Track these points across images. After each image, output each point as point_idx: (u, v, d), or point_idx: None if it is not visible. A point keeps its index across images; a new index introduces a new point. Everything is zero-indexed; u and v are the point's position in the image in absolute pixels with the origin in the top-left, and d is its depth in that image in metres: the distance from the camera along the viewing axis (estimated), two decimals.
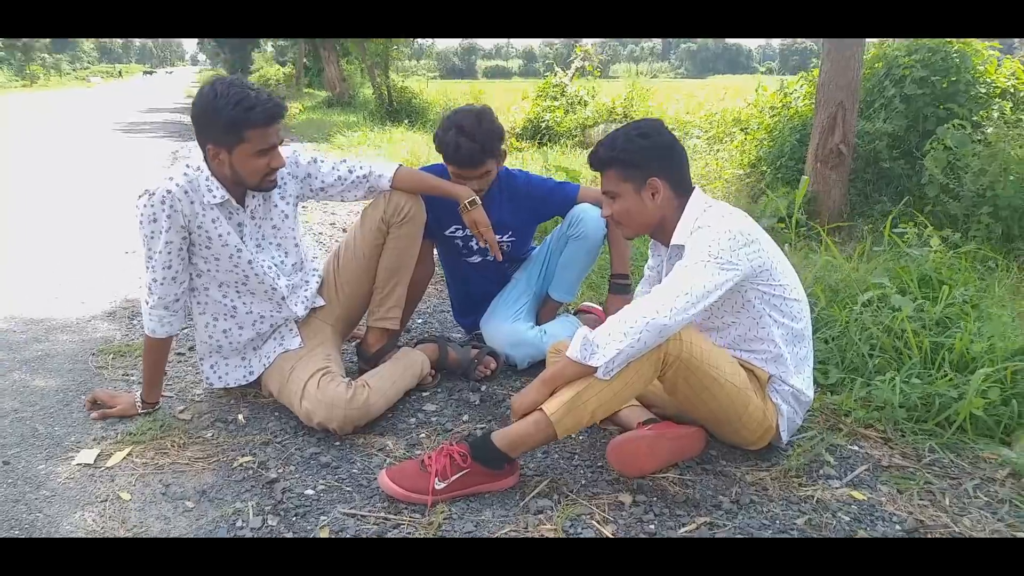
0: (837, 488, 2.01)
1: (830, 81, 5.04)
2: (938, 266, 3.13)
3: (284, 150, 2.34)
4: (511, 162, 6.12)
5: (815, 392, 2.36)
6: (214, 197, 2.20)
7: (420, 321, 3.27)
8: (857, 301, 2.85)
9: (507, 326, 2.70)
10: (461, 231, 2.74)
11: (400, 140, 9.67)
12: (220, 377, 2.44)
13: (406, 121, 12.46)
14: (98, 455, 2.10)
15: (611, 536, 1.79)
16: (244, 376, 2.43)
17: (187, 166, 2.22)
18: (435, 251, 2.93)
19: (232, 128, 2.09)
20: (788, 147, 5.91)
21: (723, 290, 1.90)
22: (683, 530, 1.81)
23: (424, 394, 2.53)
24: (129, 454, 2.12)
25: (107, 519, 1.83)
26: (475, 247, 2.78)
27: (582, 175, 6.02)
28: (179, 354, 2.82)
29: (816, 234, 5.03)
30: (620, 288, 2.70)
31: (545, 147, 9.50)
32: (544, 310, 2.90)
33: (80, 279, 3.80)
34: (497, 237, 2.66)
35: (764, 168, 6.15)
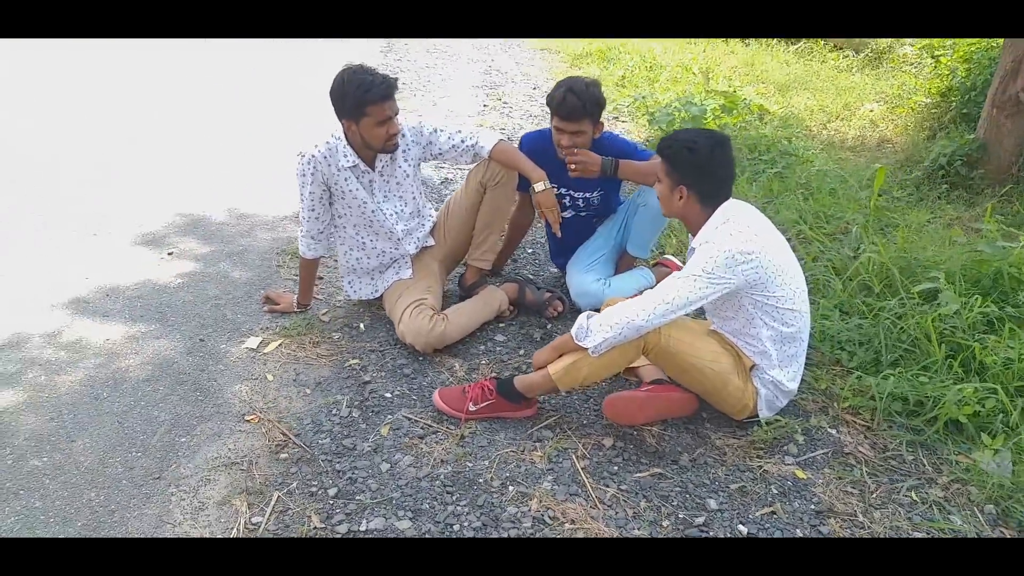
0: (787, 464, 2.45)
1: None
2: (1021, 263, 3.17)
3: (411, 121, 3.00)
4: None
5: (833, 373, 2.72)
6: (347, 161, 2.90)
7: (519, 261, 3.87)
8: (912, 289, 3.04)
9: (578, 276, 3.24)
10: (558, 189, 3.25)
11: None
12: (355, 291, 3.23)
13: None
14: (260, 342, 3.01)
15: (582, 468, 2.39)
16: (371, 292, 3.21)
17: (332, 135, 2.92)
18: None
19: (357, 106, 2.75)
20: (982, 81, 5.55)
21: (709, 299, 2.34)
22: (636, 475, 2.38)
23: (500, 325, 3.19)
24: (280, 345, 3.00)
25: (254, 393, 2.72)
26: (567, 203, 3.29)
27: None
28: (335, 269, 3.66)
29: (973, 187, 4.91)
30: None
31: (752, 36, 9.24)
32: (622, 262, 3.39)
33: (284, 179, 4.73)
34: (587, 193, 3.18)
35: (955, 99, 5.82)
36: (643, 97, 6.19)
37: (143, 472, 2.34)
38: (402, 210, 3.09)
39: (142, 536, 2.11)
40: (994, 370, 2.66)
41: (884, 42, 7.98)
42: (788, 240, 3.53)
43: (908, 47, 7.68)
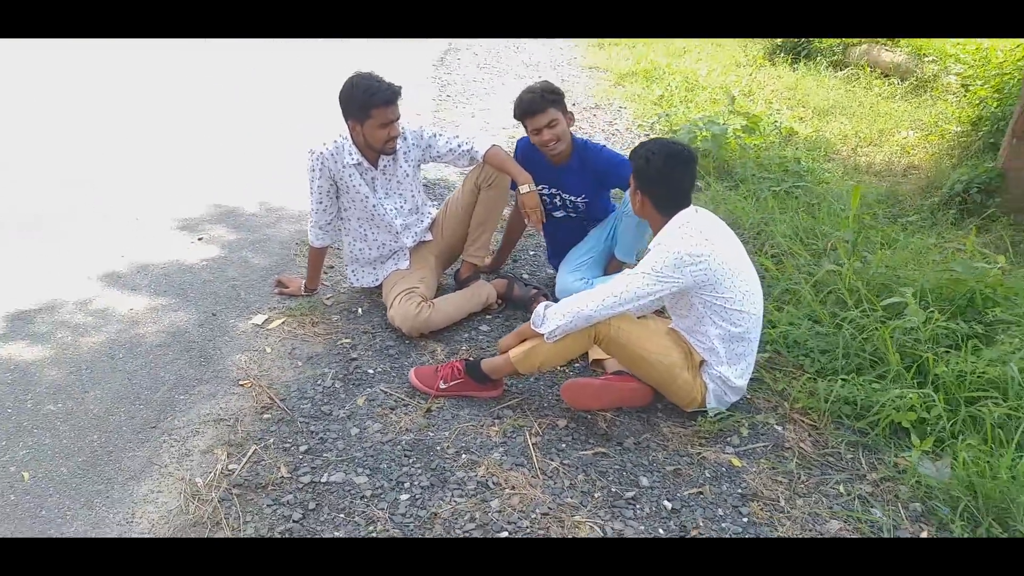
0: (726, 453, 2.61)
1: None
2: (996, 284, 3.24)
3: (413, 125, 3.27)
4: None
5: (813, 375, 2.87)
6: (352, 159, 3.19)
7: (519, 262, 4.10)
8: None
9: (564, 276, 3.44)
10: (547, 189, 3.48)
11: (656, 41, 9.99)
12: (357, 279, 3.51)
13: None
14: (265, 319, 3.31)
15: (532, 444, 2.60)
16: (372, 281, 3.48)
17: (339, 135, 3.21)
18: None
19: (362, 108, 3.04)
20: (1011, 112, 5.54)
21: (656, 296, 2.54)
22: (580, 453, 2.57)
23: (487, 317, 3.42)
24: (283, 322, 3.29)
25: (251, 362, 3.01)
26: (557, 204, 3.51)
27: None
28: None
29: (991, 215, 4.94)
30: None
31: (801, 62, 9.30)
32: (610, 265, 3.58)
33: None
34: (573, 197, 3.40)
35: (984, 128, 5.82)
36: (667, 115, 6.36)
37: (142, 422, 2.65)
38: (401, 206, 3.36)
39: (131, 478, 2.41)
40: (945, 380, 2.77)
41: (929, 70, 7.94)
42: (774, 254, 3.70)
43: (953, 76, 7.63)
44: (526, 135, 3.45)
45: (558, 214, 3.56)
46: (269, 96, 7.08)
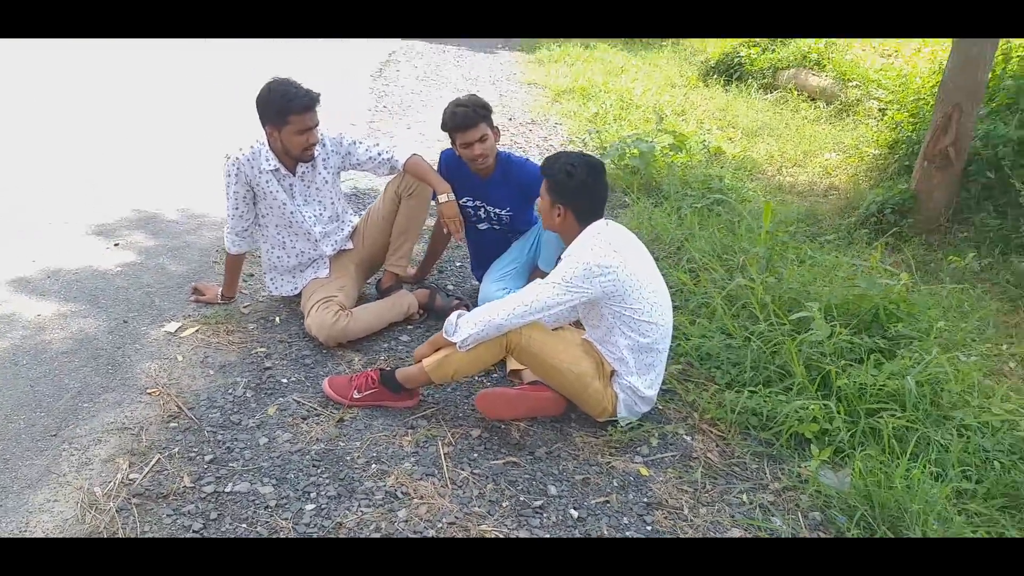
0: (634, 463, 2.65)
1: (951, 80, 4.95)
2: (899, 300, 3.38)
3: (332, 132, 3.25)
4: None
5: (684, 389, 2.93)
6: (269, 165, 3.15)
7: (445, 272, 4.11)
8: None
9: (486, 285, 3.46)
10: (471, 202, 3.49)
11: (595, 60, 10.14)
12: (276, 288, 3.47)
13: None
14: (179, 327, 3.24)
15: (444, 454, 2.60)
16: (291, 289, 3.44)
17: (256, 140, 3.18)
18: None
19: (279, 113, 3.01)
20: (924, 135, 5.79)
21: (565, 306, 2.57)
22: (492, 462, 2.58)
23: (408, 327, 3.41)
24: (197, 331, 3.23)
25: (161, 370, 2.95)
26: (482, 216, 3.53)
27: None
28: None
29: (903, 235, 5.13)
30: None
31: (733, 84, 9.56)
32: (533, 276, 3.61)
33: None
34: (498, 210, 3.43)
35: (901, 151, 6.06)
36: (598, 131, 6.47)
37: (42, 430, 2.57)
38: (320, 214, 3.34)
39: (27, 486, 2.33)
40: (846, 392, 2.86)
41: (853, 94, 8.24)
42: (689, 267, 3.78)
43: (874, 101, 7.94)
44: (450, 147, 3.47)
45: (482, 226, 3.58)
46: (197, 97, 6.96)
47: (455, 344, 2.61)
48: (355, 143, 3.33)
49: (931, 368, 2.86)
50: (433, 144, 6.31)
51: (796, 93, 8.88)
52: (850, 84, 8.38)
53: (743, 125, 7.82)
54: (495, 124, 3.30)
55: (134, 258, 3.82)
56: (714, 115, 8.21)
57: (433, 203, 3.40)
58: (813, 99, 8.85)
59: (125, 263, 3.76)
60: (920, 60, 8.44)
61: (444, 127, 3.27)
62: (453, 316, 2.64)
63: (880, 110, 6.87)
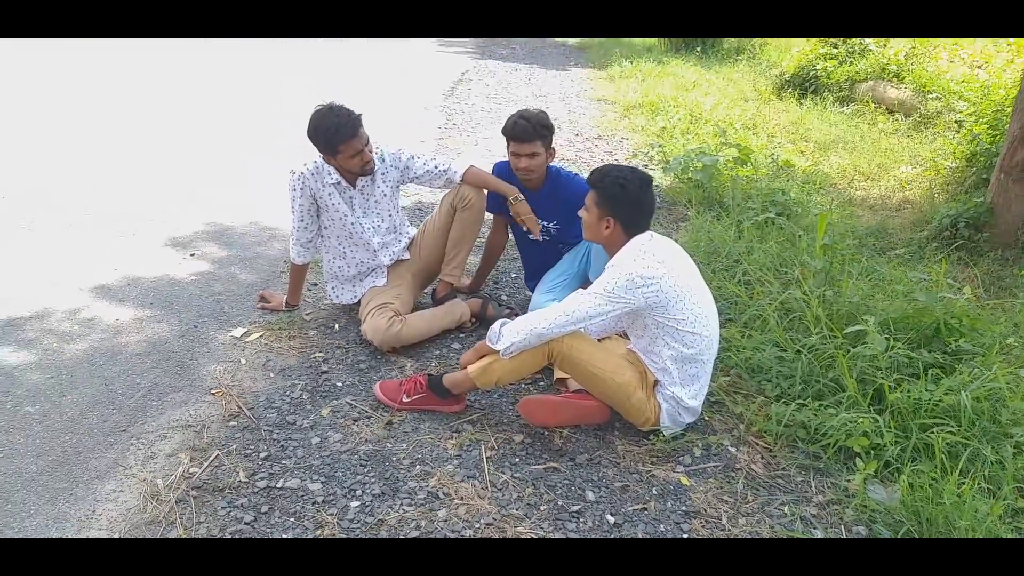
0: (676, 472, 2.65)
1: None
2: (962, 315, 3.28)
3: (392, 148, 3.39)
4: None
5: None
6: (332, 179, 3.31)
7: (500, 283, 4.19)
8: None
9: (536, 297, 3.52)
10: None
11: (667, 75, 10.12)
12: (337, 296, 3.61)
13: (698, 50, 12.53)
14: (244, 332, 3.41)
15: (487, 457, 2.66)
16: (351, 298, 3.58)
17: (320, 154, 3.34)
18: (509, 227, 3.79)
19: (330, 146, 3.17)
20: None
21: (607, 316, 2.61)
22: (532, 467, 2.63)
23: (460, 334, 3.50)
24: (261, 336, 3.40)
25: (224, 372, 3.11)
26: (534, 237, 3.59)
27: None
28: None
29: (978, 249, 4.96)
30: None
31: (808, 97, 9.39)
32: (584, 287, 3.65)
33: None
34: (545, 223, 3.49)
35: (978, 164, 5.85)
36: (661, 145, 6.46)
37: (113, 425, 2.76)
38: (379, 225, 3.47)
39: (96, 477, 2.50)
40: (899, 408, 2.80)
41: (933, 107, 7.99)
42: (746, 280, 3.75)
43: (955, 113, 7.67)
44: (502, 161, 3.55)
45: (532, 237, 3.65)
46: (273, 107, 7.28)
47: (497, 352, 2.68)
48: (413, 157, 3.45)
49: (990, 384, 2.77)
50: (499, 158, 6.44)
51: (873, 106, 8.66)
52: (930, 96, 8.13)
53: (816, 138, 7.67)
54: (553, 144, 3.36)
55: (207, 268, 4.04)
56: (786, 129, 8.09)
57: (488, 216, 3.48)
58: (891, 112, 8.62)
59: (199, 272, 3.98)
60: (1010, 71, 8.13)
61: (503, 131, 3.36)
62: (496, 324, 2.71)
63: (957, 122, 6.63)
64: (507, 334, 2.65)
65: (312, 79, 9.03)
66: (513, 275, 4.20)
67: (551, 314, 2.61)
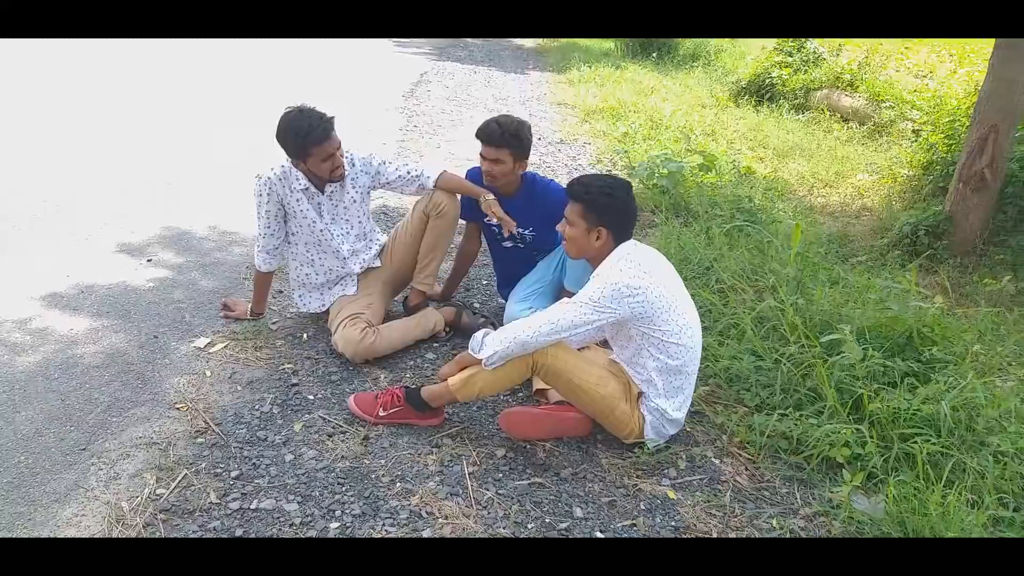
0: (662, 485, 2.61)
1: (988, 100, 4.89)
2: (934, 323, 3.31)
3: (362, 153, 3.29)
4: None
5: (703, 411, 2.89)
6: (300, 184, 3.19)
7: (471, 290, 4.11)
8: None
9: (512, 305, 3.45)
10: (495, 219, 3.50)
11: (625, 80, 10.14)
12: (304, 304, 3.49)
13: (654, 55, 12.55)
14: (208, 343, 3.27)
15: (469, 473, 2.58)
16: (319, 306, 3.46)
17: (287, 159, 3.21)
18: (482, 234, 3.72)
19: (301, 149, 3.05)
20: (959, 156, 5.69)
21: (592, 326, 2.55)
22: (517, 483, 2.56)
23: (434, 344, 3.41)
24: (225, 346, 3.26)
25: (189, 385, 2.97)
26: (506, 234, 3.52)
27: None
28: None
29: (937, 257, 5.05)
30: None
31: (764, 104, 9.50)
32: (561, 295, 3.60)
33: None
34: (521, 229, 3.42)
35: (934, 173, 5.97)
36: (626, 151, 6.46)
37: (72, 444, 2.60)
38: (348, 232, 3.36)
39: (56, 500, 2.35)
40: (878, 417, 2.80)
41: (886, 115, 8.16)
42: (718, 288, 3.74)
43: (909, 121, 7.85)
44: (476, 167, 3.49)
45: (507, 244, 3.58)
46: (229, 109, 7.07)
47: (480, 362, 2.60)
48: (384, 163, 3.36)
49: (966, 393, 2.79)
50: (463, 163, 6.34)
51: (828, 114, 8.81)
52: (884, 105, 8.30)
53: (774, 146, 7.76)
54: (525, 159, 3.29)
55: (165, 274, 3.87)
56: (744, 135, 8.17)
57: (462, 223, 3.40)
58: (846, 120, 8.78)
59: (157, 279, 3.81)
60: (955, 81, 8.35)
61: (476, 134, 3.29)
62: (479, 334, 2.64)
63: (914, 131, 6.77)
64: (490, 343, 2.58)
65: (269, 79, 8.81)
66: (484, 282, 4.13)
67: (536, 322, 2.54)
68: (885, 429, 2.77)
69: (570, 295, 3.55)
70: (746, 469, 2.74)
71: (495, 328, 3.40)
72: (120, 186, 5.04)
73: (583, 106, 9.21)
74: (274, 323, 3.49)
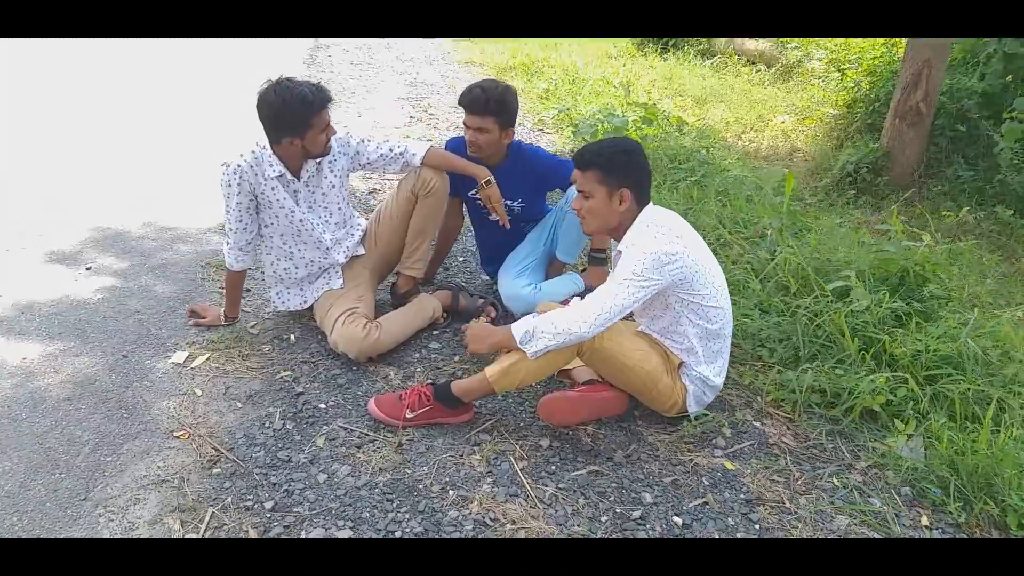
0: (716, 457, 2.53)
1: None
2: (925, 261, 3.36)
3: (339, 132, 2.98)
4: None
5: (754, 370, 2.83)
6: (274, 171, 2.87)
7: (450, 269, 3.90)
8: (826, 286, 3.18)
9: (509, 281, 3.27)
10: (480, 193, 3.29)
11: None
12: (283, 302, 3.18)
13: None
14: (187, 357, 2.93)
15: (520, 469, 2.42)
16: (300, 303, 3.17)
17: (256, 144, 2.89)
18: (464, 208, 3.50)
19: (302, 120, 2.74)
20: (884, 93, 5.86)
21: (640, 302, 2.41)
22: (573, 474, 2.42)
23: (434, 332, 3.19)
24: (208, 359, 2.93)
25: (182, 408, 2.65)
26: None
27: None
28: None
29: (879, 192, 5.18)
30: (597, 261, 3.24)
31: (669, 51, 9.53)
32: (552, 267, 3.44)
33: (206, 191, 4.62)
34: (509, 201, 3.22)
35: (859, 110, 6.14)
36: (567, 109, 6.31)
37: (68, 494, 2.26)
38: (328, 220, 3.07)
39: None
40: (903, 361, 2.82)
41: (793, 56, 8.35)
42: (708, 243, 3.67)
43: (816, 61, 8.05)
44: (457, 137, 3.26)
45: (493, 217, 3.38)
46: (136, 102, 6.44)
47: (522, 352, 2.42)
48: (363, 141, 3.08)
49: (989, 328, 2.85)
50: (390, 130, 6.03)
51: (736, 57, 8.94)
52: (789, 46, 8.47)
53: (692, 93, 7.80)
54: (511, 126, 3.09)
55: (112, 282, 3.45)
56: (660, 85, 8.17)
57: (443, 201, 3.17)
58: (752, 62, 8.93)
59: (104, 288, 3.40)
60: None
61: (459, 100, 3.10)
62: (528, 322, 2.43)
63: (839, 70, 6.92)
64: (540, 337, 2.39)
65: (169, 66, 8.08)
66: (460, 258, 3.92)
67: (588, 314, 2.36)
68: (910, 372, 2.79)
69: (562, 267, 3.43)
70: (788, 429, 2.70)
71: (496, 308, 3.25)
72: (31, 190, 4.48)
73: (493, 63, 8.98)
74: (253, 327, 3.18)
